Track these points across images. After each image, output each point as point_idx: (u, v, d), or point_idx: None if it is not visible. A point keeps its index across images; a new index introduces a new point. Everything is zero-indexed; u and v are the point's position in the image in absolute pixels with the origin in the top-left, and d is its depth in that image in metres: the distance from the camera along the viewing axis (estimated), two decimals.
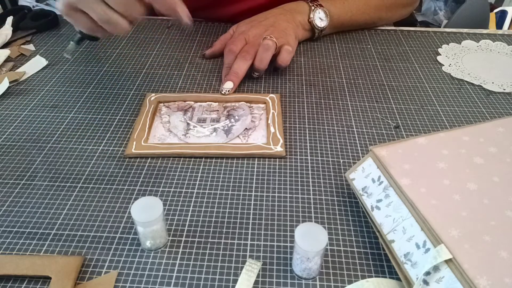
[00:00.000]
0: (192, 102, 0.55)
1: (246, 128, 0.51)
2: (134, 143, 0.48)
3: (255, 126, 0.51)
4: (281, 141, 0.49)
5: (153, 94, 0.56)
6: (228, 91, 0.55)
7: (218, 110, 0.54)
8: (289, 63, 0.60)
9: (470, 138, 0.41)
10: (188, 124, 0.51)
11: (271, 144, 0.48)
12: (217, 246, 0.38)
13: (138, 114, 0.53)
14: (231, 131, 0.50)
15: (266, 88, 0.59)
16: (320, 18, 0.67)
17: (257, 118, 0.53)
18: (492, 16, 1.59)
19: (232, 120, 0.52)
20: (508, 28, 1.62)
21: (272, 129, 0.50)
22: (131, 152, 0.47)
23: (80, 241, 0.38)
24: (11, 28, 0.70)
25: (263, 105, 0.55)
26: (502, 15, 1.61)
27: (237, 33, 0.63)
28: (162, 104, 0.55)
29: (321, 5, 0.67)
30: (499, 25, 1.61)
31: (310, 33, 0.69)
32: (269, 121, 0.51)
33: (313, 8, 0.67)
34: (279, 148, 0.48)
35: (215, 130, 0.51)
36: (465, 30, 0.75)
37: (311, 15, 0.67)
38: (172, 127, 0.51)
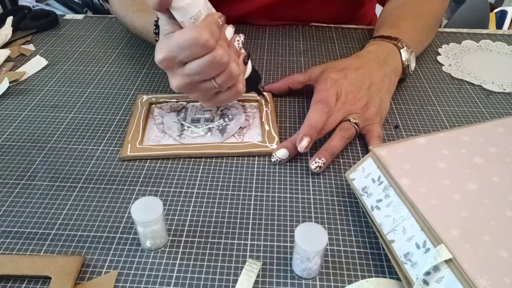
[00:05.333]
0: (185, 103, 0.55)
1: (240, 127, 0.51)
2: (129, 145, 0.48)
3: (250, 125, 0.51)
4: (277, 138, 0.49)
5: (144, 96, 0.55)
6: (279, 160, 0.47)
7: (211, 110, 0.54)
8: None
9: (470, 138, 0.41)
10: (182, 124, 0.51)
11: (267, 142, 0.48)
12: (217, 246, 0.38)
13: (131, 116, 0.52)
14: (226, 130, 0.50)
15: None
16: (412, 60, 0.58)
17: (251, 116, 0.53)
18: (492, 16, 1.59)
19: (226, 119, 0.52)
20: (508, 28, 1.62)
21: (266, 127, 0.50)
22: (127, 154, 0.47)
23: (80, 241, 0.38)
24: (11, 28, 0.70)
25: (255, 104, 0.55)
26: (502, 15, 1.61)
27: (329, 81, 0.50)
28: (154, 105, 0.54)
29: (407, 46, 0.57)
30: (499, 25, 1.60)
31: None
32: (263, 119, 0.51)
33: (406, 50, 0.56)
34: (274, 146, 0.48)
35: (209, 130, 0.50)
36: (465, 30, 0.75)
37: (405, 61, 0.56)
38: (166, 128, 0.51)
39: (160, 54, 0.39)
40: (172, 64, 0.39)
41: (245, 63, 0.44)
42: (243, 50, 0.44)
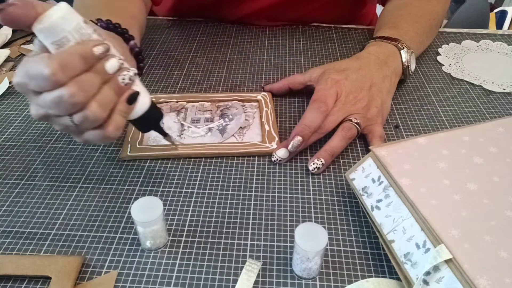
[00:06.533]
0: (185, 103, 0.55)
1: (240, 127, 0.51)
2: (129, 145, 0.48)
3: (249, 125, 0.51)
4: (277, 138, 0.49)
5: None
6: (279, 160, 0.47)
7: (211, 110, 0.54)
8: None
9: (470, 138, 0.41)
10: (182, 124, 0.51)
11: (267, 142, 0.48)
12: (217, 246, 0.38)
13: None
14: (226, 131, 0.50)
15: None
16: (412, 61, 0.58)
17: (251, 116, 0.53)
18: (492, 16, 1.59)
19: (226, 119, 0.52)
20: (508, 28, 1.62)
21: (266, 127, 0.50)
22: (127, 155, 0.47)
23: (80, 241, 0.38)
24: (11, 28, 0.70)
25: (255, 103, 0.55)
26: (502, 15, 1.61)
27: (330, 82, 0.50)
28: None
29: (408, 47, 0.57)
30: (499, 25, 1.61)
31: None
32: (263, 119, 0.51)
33: (407, 51, 0.57)
34: (274, 146, 0.48)
35: (209, 130, 0.50)
36: (465, 30, 0.75)
37: (405, 62, 0.57)
38: (166, 129, 0.50)
39: (15, 77, 0.34)
40: (25, 91, 0.34)
41: (130, 103, 0.37)
42: (137, 85, 0.38)
